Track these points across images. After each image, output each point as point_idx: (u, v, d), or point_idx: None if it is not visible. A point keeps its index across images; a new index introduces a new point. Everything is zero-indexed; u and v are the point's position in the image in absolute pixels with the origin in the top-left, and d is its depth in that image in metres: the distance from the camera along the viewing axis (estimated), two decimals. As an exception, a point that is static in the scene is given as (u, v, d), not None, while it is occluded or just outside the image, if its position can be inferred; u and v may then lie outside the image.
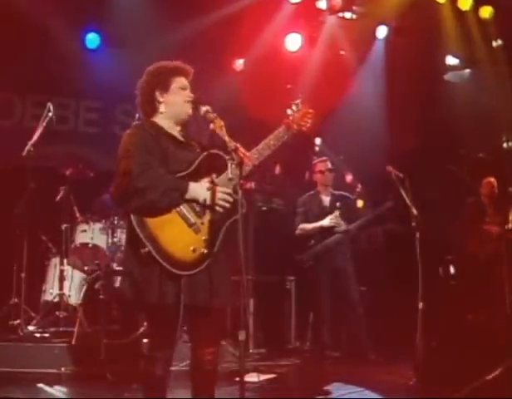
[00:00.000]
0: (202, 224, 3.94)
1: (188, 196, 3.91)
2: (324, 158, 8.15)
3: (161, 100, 4.13)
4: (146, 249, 3.76)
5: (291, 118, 4.31)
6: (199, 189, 3.94)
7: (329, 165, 8.00)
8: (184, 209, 3.90)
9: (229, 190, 4.00)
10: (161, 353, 3.95)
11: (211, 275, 3.92)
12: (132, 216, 3.83)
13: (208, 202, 3.94)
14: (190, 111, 4.13)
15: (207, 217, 3.96)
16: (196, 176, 4.00)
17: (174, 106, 4.13)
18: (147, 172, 3.81)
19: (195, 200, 3.93)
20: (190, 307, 3.86)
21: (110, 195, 7.59)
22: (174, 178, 3.93)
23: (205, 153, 4.08)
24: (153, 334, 4.15)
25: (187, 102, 4.12)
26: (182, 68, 4.22)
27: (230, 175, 3.87)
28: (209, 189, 3.95)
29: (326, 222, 7.74)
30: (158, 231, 3.80)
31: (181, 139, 4.17)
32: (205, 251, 3.90)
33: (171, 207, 3.87)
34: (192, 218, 3.91)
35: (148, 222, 3.81)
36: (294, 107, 4.35)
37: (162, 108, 4.13)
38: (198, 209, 3.94)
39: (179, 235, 3.86)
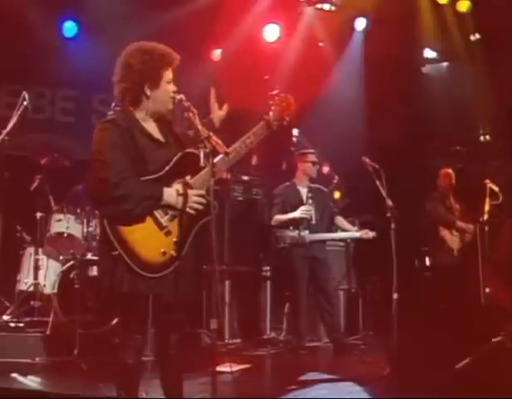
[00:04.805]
0: (173, 226, 3.94)
1: (162, 203, 3.89)
2: (312, 150, 8.03)
3: (149, 94, 3.99)
4: (117, 252, 3.77)
5: (272, 113, 4.28)
6: (172, 195, 3.90)
7: (316, 159, 7.94)
8: (157, 213, 3.89)
9: (202, 192, 3.99)
10: (132, 341, 3.94)
11: (177, 271, 3.92)
12: (105, 220, 3.83)
13: (181, 207, 3.93)
14: (171, 106, 4.05)
15: (178, 219, 3.95)
16: (170, 178, 3.96)
17: (158, 103, 4.03)
18: (124, 181, 3.76)
19: (169, 205, 3.92)
20: (154, 300, 3.90)
21: (84, 187, 7.55)
22: (148, 185, 3.87)
23: (180, 154, 4.01)
24: (122, 321, 4.16)
25: (170, 97, 4.03)
26: (171, 57, 4.04)
27: (203, 164, 3.87)
28: (181, 195, 3.92)
29: (297, 213, 7.61)
30: (129, 234, 3.80)
31: (157, 136, 4.07)
32: (174, 254, 3.90)
33: (144, 214, 3.85)
34: (164, 222, 3.90)
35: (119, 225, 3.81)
36: (277, 100, 4.32)
37: (148, 103, 4.01)
38: (171, 212, 3.93)
39: (150, 238, 3.86)
